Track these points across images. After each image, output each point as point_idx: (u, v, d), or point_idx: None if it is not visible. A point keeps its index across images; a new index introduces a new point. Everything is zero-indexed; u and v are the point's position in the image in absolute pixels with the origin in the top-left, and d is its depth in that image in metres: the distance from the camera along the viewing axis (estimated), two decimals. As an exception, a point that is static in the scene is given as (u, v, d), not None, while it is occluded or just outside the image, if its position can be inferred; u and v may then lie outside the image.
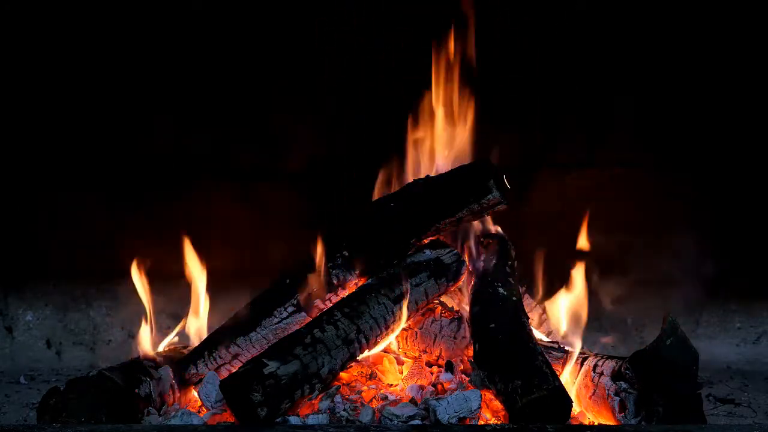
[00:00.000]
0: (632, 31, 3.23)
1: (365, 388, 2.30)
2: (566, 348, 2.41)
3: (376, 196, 2.66)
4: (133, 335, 3.29)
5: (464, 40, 2.69)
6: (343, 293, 2.44)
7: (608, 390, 2.13)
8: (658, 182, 3.35)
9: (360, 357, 2.31)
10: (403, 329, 2.46)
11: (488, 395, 2.18)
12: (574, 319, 2.51)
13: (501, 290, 2.40)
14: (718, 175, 3.33)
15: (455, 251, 2.48)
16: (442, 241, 2.52)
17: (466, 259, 2.53)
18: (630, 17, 3.22)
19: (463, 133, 2.69)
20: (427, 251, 2.45)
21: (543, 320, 2.67)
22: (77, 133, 3.24)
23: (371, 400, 2.23)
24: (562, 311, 2.61)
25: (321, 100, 3.17)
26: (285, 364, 2.06)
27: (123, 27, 3.17)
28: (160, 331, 2.55)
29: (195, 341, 2.55)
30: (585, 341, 2.48)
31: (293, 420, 2.07)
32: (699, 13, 3.20)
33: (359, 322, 2.23)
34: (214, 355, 2.42)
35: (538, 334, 2.58)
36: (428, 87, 2.70)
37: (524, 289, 2.64)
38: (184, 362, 2.41)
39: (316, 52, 3.22)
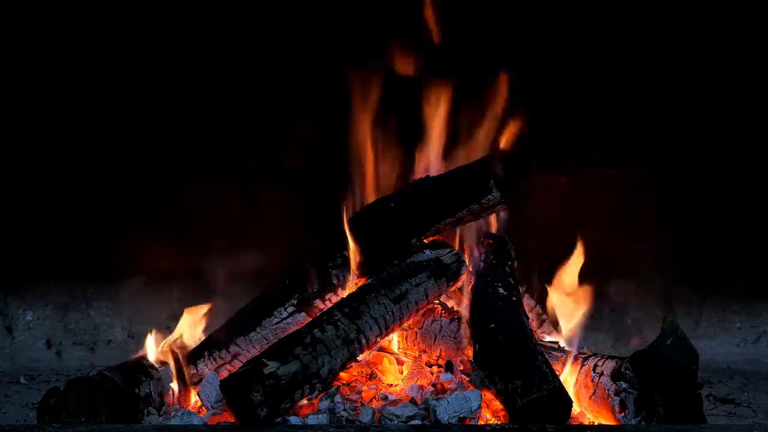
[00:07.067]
0: (631, 32, 3.22)
1: (365, 388, 2.30)
2: (566, 348, 2.41)
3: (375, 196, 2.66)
4: (133, 335, 3.29)
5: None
6: (343, 293, 2.44)
7: (608, 390, 2.13)
8: (656, 183, 3.34)
9: (360, 357, 2.31)
10: (403, 329, 2.46)
11: (488, 395, 2.18)
12: (574, 317, 2.50)
13: (501, 290, 2.40)
14: (718, 175, 3.33)
15: (455, 251, 2.47)
16: (442, 241, 2.52)
17: (466, 259, 2.53)
18: (629, 18, 3.21)
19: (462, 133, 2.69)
20: (427, 251, 2.44)
21: (543, 320, 2.67)
22: (77, 133, 3.23)
23: (371, 400, 2.23)
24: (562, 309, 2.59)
25: (321, 100, 3.16)
26: (285, 364, 2.06)
27: (123, 26, 3.17)
28: (160, 332, 2.53)
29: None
30: (585, 341, 2.47)
31: (293, 420, 2.07)
32: (698, 15, 3.20)
33: (359, 322, 2.23)
34: (214, 355, 2.42)
35: (539, 334, 2.58)
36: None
37: (524, 289, 2.64)
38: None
39: (316, 52, 3.22)
